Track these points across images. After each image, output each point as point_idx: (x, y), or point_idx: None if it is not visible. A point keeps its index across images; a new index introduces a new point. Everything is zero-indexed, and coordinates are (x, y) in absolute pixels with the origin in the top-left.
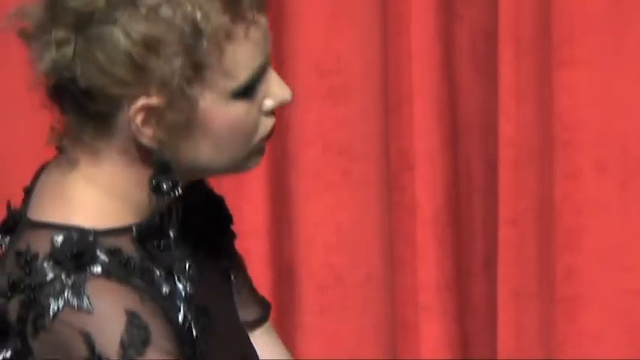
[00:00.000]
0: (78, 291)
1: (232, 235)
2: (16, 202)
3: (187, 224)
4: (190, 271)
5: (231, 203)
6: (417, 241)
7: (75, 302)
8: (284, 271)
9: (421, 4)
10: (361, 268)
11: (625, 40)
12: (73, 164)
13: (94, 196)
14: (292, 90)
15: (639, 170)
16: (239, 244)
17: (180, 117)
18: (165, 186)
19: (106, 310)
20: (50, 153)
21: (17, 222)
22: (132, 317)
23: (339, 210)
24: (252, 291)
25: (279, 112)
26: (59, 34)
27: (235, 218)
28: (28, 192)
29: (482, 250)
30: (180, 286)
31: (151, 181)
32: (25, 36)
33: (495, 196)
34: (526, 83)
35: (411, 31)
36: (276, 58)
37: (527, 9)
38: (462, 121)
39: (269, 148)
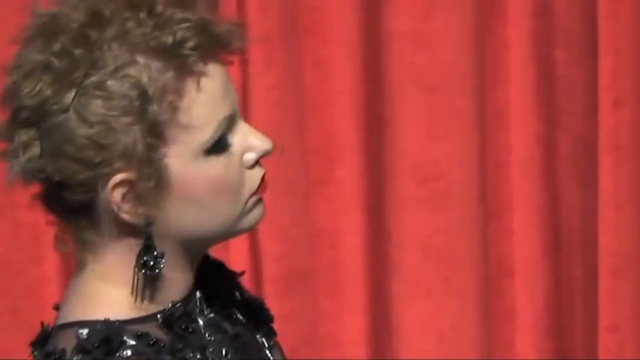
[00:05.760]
0: None
1: (273, 334)
2: None
3: (222, 315)
4: (228, 356)
5: (330, 311)
6: (516, 349)
7: None
8: None
9: (521, 112)
10: None
11: None
12: (83, 265)
13: (110, 292)
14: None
15: None
16: (340, 351)
17: (152, 184)
18: (151, 262)
19: None
20: None
21: (49, 334)
22: None
23: (439, 317)
24: None
25: (379, 217)
26: (22, 137)
27: (334, 326)
28: (58, 308)
29: (582, 358)
30: None
31: (137, 260)
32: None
33: (595, 303)
34: (625, 191)
35: (511, 137)
36: (376, 164)
37: (627, 117)
38: (563, 229)
39: (368, 254)
